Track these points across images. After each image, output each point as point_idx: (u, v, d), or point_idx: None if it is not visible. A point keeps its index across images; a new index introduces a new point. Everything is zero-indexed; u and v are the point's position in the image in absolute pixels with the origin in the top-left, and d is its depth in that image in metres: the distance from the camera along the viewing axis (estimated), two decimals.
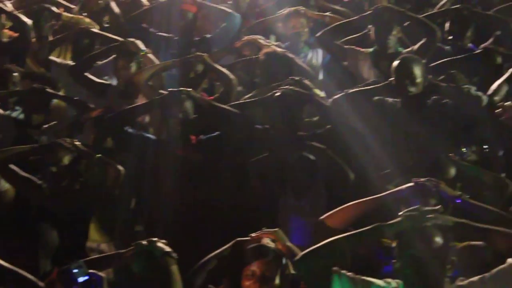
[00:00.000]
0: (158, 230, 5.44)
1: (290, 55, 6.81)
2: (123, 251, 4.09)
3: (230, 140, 5.81)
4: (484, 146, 5.70)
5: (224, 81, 6.36)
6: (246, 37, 7.31)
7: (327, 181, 5.46)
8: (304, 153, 5.39)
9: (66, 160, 5.34)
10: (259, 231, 4.17)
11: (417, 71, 5.75)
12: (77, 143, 5.39)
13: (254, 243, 4.09)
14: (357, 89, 6.08)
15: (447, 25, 7.29)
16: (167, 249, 4.00)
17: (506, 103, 5.72)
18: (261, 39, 7.14)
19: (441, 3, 7.99)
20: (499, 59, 6.49)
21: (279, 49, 6.73)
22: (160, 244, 4.00)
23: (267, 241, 4.08)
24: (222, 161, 5.80)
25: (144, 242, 4.02)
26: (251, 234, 4.17)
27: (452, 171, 4.94)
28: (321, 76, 7.55)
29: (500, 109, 5.56)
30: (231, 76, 6.37)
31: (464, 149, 5.49)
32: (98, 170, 5.41)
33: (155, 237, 4.10)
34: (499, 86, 5.87)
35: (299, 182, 5.39)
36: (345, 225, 4.23)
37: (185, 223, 5.53)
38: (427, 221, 3.58)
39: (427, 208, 3.67)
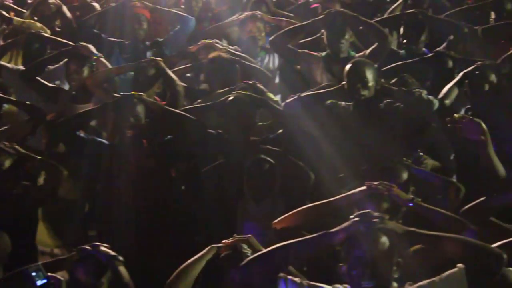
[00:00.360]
0: (112, 235, 5.42)
1: (244, 58, 6.82)
2: (67, 256, 4.09)
3: (183, 144, 5.79)
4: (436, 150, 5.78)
5: (171, 87, 6.33)
6: (202, 41, 7.29)
7: (286, 184, 5.46)
8: (262, 157, 5.38)
9: (7, 163, 5.29)
10: (232, 238, 4.19)
11: (369, 74, 5.79)
12: (17, 146, 5.34)
13: (229, 249, 4.09)
14: (310, 92, 6.10)
15: (401, 29, 7.33)
16: (112, 253, 4.00)
17: (456, 115, 5.77)
18: (218, 43, 7.13)
19: (392, 7, 8.04)
20: (450, 63, 6.56)
21: (224, 54, 6.71)
22: (103, 248, 4.00)
23: (243, 248, 4.10)
24: (175, 166, 5.79)
25: (88, 247, 4.00)
26: (224, 241, 4.18)
27: (405, 175, 4.98)
28: (277, 80, 7.58)
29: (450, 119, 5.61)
30: (178, 82, 6.34)
31: (421, 153, 5.55)
32: (40, 173, 5.36)
33: (109, 242, 4.09)
34: (450, 89, 5.94)
35: (258, 186, 5.38)
36: (297, 229, 4.26)
37: (139, 227, 5.51)
38: (375, 225, 3.64)
39: (375, 213, 3.74)
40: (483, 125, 4.91)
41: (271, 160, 5.37)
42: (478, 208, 4.46)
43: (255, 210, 5.34)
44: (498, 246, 3.87)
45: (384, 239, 3.65)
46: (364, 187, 4.34)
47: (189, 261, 4.21)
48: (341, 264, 3.69)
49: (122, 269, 4.07)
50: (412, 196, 4.51)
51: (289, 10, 8.82)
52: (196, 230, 5.49)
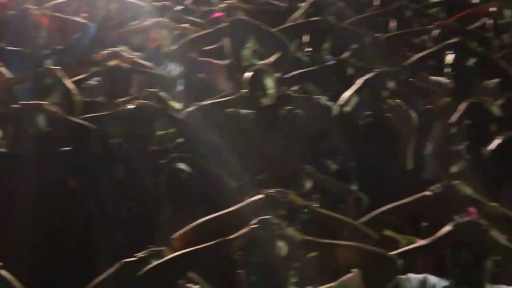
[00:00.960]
0: (9, 248, 5.33)
1: (147, 66, 6.81)
2: None
3: (84, 154, 5.75)
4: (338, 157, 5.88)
5: (67, 97, 6.27)
6: (108, 49, 7.24)
7: (204, 193, 5.46)
8: (178, 167, 5.36)
9: None
10: (146, 250, 4.16)
11: (269, 82, 5.86)
12: None
13: (142, 263, 4.07)
14: (211, 101, 6.13)
15: (305, 37, 7.42)
16: None
17: (393, 102, 5.84)
18: (124, 51, 7.10)
19: (295, 15, 8.14)
20: (350, 70, 6.66)
21: (123, 63, 6.68)
22: None
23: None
24: (76, 177, 5.74)
25: None
26: (137, 254, 4.15)
27: (308, 183, 5.05)
28: (181, 88, 7.58)
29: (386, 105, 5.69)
30: (75, 92, 6.29)
31: (329, 161, 5.64)
32: None
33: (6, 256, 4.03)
34: (350, 96, 6.03)
35: (176, 196, 5.36)
36: (198, 241, 4.27)
37: (40, 241, 5.43)
38: (273, 231, 3.70)
39: (273, 219, 3.79)
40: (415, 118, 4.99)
41: (187, 169, 5.36)
42: (376, 218, 4.54)
43: (173, 220, 5.32)
44: (395, 253, 3.97)
45: (282, 245, 3.71)
46: (261, 195, 4.38)
47: (98, 278, 4.18)
48: (240, 270, 3.72)
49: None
50: (310, 203, 4.56)
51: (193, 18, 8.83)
52: (103, 245, 5.45)
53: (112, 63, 6.63)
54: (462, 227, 3.89)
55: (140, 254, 4.13)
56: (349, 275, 3.74)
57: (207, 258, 3.88)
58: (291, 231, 3.83)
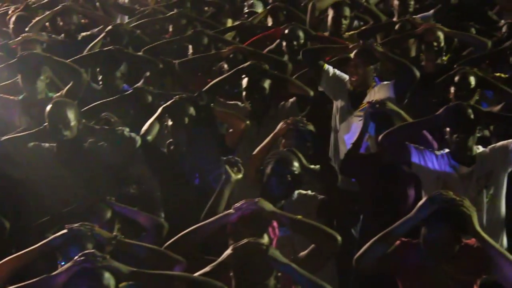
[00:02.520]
0: None
1: None
2: None
3: None
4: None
5: None
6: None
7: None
8: None
9: None
10: None
11: (70, 114, 5.86)
12: None
13: None
14: (10, 136, 6.05)
15: (100, 66, 7.42)
16: None
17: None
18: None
19: (91, 44, 8.12)
20: (149, 98, 6.73)
21: None
22: None
23: None
24: None
25: None
26: None
27: (108, 213, 5.08)
28: None
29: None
30: None
31: (134, 190, 5.70)
32: None
33: None
34: (151, 125, 6.08)
35: None
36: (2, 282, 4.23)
37: None
38: (99, 263, 3.84)
39: (96, 252, 3.91)
40: None
41: None
42: (182, 241, 4.60)
43: None
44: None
45: (109, 276, 3.84)
46: (65, 230, 4.38)
47: None
48: None
49: None
50: (116, 234, 4.60)
51: None
52: None
53: None
54: (241, 249, 4.03)
55: None
56: None
57: None
58: (118, 264, 3.92)
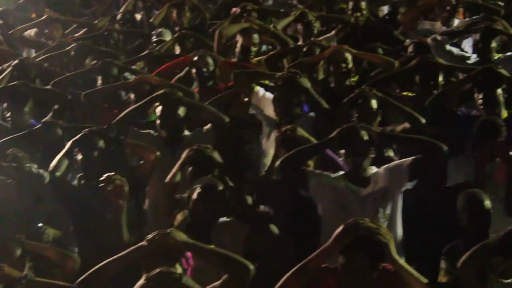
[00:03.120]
0: None
1: None
2: None
3: None
4: None
5: None
6: None
7: None
8: None
9: None
10: None
11: None
12: None
13: None
14: None
15: (6, 103, 7.37)
16: None
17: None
18: None
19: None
20: (59, 132, 6.72)
21: None
22: None
23: None
24: None
25: None
26: None
27: (18, 251, 5.09)
28: None
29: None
30: None
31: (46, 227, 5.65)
32: None
33: None
34: (59, 160, 6.05)
35: None
36: None
37: None
38: None
39: None
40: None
41: None
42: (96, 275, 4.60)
43: None
44: None
45: None
46: None
47: None
48: None
49: None
50: (26, 273, 4.56)
51: None
52: None
53: None
54: (154, 279, 4.09)
55: None
56: None
57: None
58: None
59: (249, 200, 5.95)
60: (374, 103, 6.39)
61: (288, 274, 4.44)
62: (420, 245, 5.91)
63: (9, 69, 8.19)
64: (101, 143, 6.14)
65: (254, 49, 8.34)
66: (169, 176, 5.87)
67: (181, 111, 6.70)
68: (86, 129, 6.23)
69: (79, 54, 8.94)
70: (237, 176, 6.17)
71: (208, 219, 5.37)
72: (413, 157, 5.51)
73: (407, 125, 6.37)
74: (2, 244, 5.07)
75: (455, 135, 6.42)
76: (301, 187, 5.65)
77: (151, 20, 10.68)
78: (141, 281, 4.11)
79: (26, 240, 5.13)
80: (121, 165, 6.27)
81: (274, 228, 5.50)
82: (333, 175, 5.57)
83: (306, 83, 6.71)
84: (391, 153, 6.14)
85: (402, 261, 4.47)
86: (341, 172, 5.59)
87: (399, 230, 5.61)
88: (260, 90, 7.00)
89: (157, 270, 4.10)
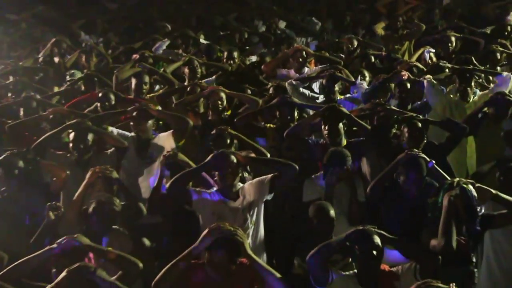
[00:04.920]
0: None
1: None
2: None
3: None
4: None
5: None
6: None
7: None
8: None
9: None
10: None
11: None
12: None
13: None
14: None
15: None
16: None
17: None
18: None
19: None
20: None
21: None
22: None
23: None
24: None
25: None
26: None
27: None
28: None
29: None
30: None
31: None
32: None
33: None
34: None
35: None
36: None
37: None
38: None
39: None
40: None
41: None
42: (13, 272, 4.55)
43: None
44: None
45: None
46: None
47: None
48: None
49: None
50: None
51: None
52: None
53: None
54: (75, 271, 4.25)
55: None
56: None
57: None
58: None
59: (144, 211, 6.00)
60: (227, 139, 6.55)
61: (164, 269, 4.61)
62: (278, 244, 6.05)
63: None
64: (20, 163, 6.12)
65: (145, 87, 8.46)
66: (76, 194, 5.86)
67: (90, 137, 6.70)
68: (9, 152, 6.20)
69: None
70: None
71: (100, 230, 5.40)
72: (272, 174, 5.64)
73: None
74: None
75: (306, 158, 6.59)
76: (186, 203, 5.71)
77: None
78: (63, 273, 4.26)
79: None
80: (37, 181, 6.27)
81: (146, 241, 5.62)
82: (210, 191, 5.67)
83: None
84: (246, 174, 6.26)
85: (255, 256, 4.71)
86: (215, 188, 5.66)
87: (262, 233, 5.73)
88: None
89: (76, 264, 4.28)
